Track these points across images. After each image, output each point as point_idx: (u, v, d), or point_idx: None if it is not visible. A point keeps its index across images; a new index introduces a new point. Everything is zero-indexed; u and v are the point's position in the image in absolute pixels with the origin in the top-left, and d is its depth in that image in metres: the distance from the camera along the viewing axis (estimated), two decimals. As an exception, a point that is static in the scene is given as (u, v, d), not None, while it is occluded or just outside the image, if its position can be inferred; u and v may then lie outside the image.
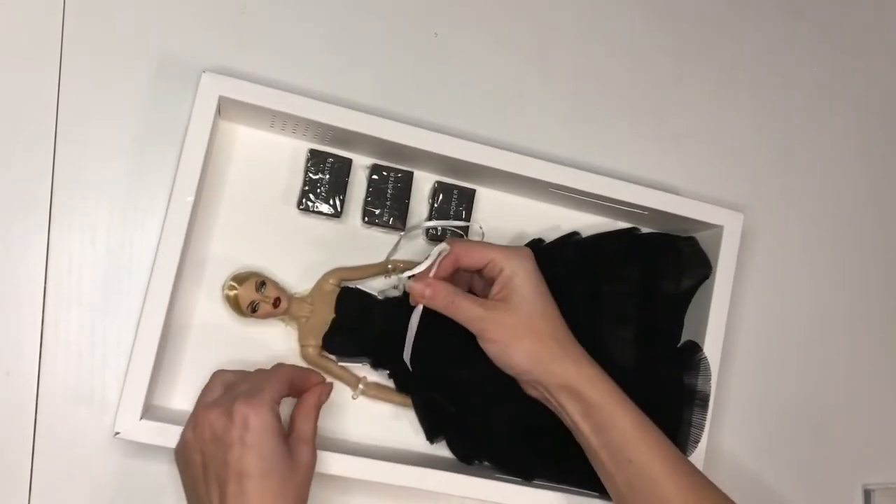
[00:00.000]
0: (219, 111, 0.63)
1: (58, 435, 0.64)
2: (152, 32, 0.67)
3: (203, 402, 0.58)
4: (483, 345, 0.61)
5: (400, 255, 0.70)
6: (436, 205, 0.70)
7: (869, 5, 0.87)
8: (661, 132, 0.79)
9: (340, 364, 0.67)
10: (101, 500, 0.65)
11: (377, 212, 0.68)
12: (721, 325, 0.71)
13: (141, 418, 0.60)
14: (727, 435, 0.78)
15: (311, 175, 0.67)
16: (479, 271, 0.63)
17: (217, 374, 0.60)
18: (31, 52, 0.65)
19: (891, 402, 0.83)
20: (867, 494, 0.82)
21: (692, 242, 0.73)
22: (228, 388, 0.59)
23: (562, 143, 0.75)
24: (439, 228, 0.70)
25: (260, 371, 0.61)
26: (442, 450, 0.69)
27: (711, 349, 0.71)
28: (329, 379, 0.64)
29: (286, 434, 0.57)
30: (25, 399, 0.63)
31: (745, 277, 0.79)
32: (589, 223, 0.74)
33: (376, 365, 0.67)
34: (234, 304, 0.64)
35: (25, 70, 0.65)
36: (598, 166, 0.75)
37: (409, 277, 0.62)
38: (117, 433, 0.59)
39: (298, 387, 0.61)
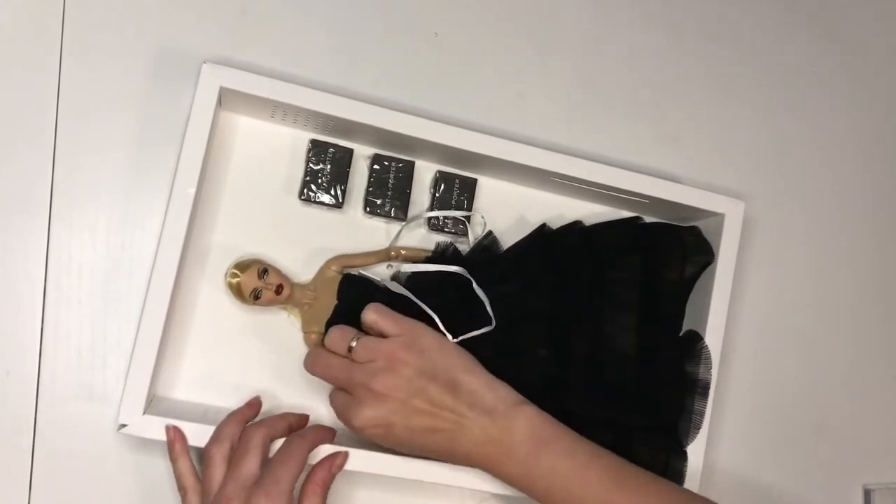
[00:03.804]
0: (220, 102, 0.63)
1: (58, 434, 0.63)
2: (152, 27, 0.67)
3: (222, 493, 0.56)
4: None
5: (401, 244, 0.70)
6: (437, 194, 0.70)
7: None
8: (661, 123, 0.79)
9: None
10: (101, 499, 0.64)
11: (379, 202, 0.68)
12: (722, 315, 0.71)
13: (145, 408, 0.59)
14: (727, 433, 0.77)
15: (312, 165, 0.67)
16: None
17: (214, 446, 0.58)
18: (30, 50, 0.65)
19: (891, 402, 0.83)
20: (867, 494, 0.81)
21: (695, 231, 0.73)
22: (234, 465, 0.57)
23: (563, 139, 0.75)
24: (441, 218, 0.70)
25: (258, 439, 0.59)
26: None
27: (712, 338, 0.71)
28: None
29: None
30: (25, 399, 0.63)
31: (746, 267, 0.79)
32: (591, 212, 0.74)
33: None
34: (237, 291, 0.64)
35: (25, 69, 0.65)
36: (600, 156, 0.75)
37: None
38: (123, 425, 0.59)
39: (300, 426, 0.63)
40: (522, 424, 0.59)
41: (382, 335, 0.61)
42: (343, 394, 0.61)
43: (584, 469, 0.59)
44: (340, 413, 0.61)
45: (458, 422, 0.59)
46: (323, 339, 0.65)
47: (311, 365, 0.62)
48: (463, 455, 0.60)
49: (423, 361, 0.59)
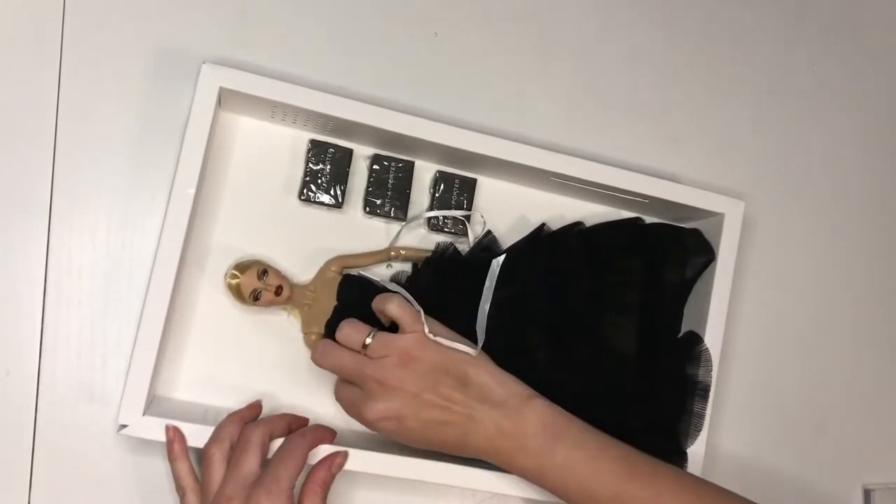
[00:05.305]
0: (219, 102, 0.63)
1: (58, 435, 0.63)
2: (152, 27, 0.67)
3: (222, 493, 0.56)
4: None
5: (401, 244, 0.70)
6: (437, 194, 0.70)
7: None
8: (661, 123, 0.79)
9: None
10: (100, 500, 0.64)
11: (378, 202, 0.68)
12: (722, 315, 0.71)
13: (145, 409, 0.59)
14: (727, 434, 0.77)
15: (311, 165, 0.67)
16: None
17: (213, 446, 0.59)
18: (30, 50, 0.65)
19: (891, 402, 0.83)
20: (867, 494, 0.81)
21: (696, 232, 0.73)
22: (234, 464, 0.57)
23: (563, 139, 0.75)
24: (441, 218, 0.70)
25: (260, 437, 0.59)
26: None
27: (712, 338, 0.71)
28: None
29: None
30: (25, 399, 0.63)
31: (745, 267, 0.79)
32: (590, 212, 0.74)
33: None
34: (237, 292, 0.64)
35: (25, 69, 0.65)
36: (600, 156, 0.75)
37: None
38: (123, 426, 0.59)
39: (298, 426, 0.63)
40: (534, 418, 0.60)
41: (391, 328, 0.61)
42: (352, 388, 0.61)
43: (596, 460, 0.59)
44: (350, 407, 0.61)
45: (469, 416, 0.59)
46: (326, 335, 0.66)
47: (321, 358, 0.61)
48: (475, 449, 0.60)
49: (435, 356, 0.60)
